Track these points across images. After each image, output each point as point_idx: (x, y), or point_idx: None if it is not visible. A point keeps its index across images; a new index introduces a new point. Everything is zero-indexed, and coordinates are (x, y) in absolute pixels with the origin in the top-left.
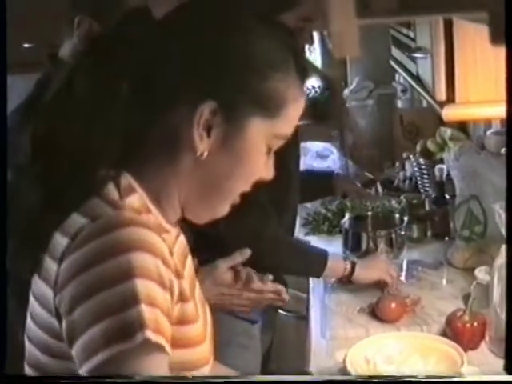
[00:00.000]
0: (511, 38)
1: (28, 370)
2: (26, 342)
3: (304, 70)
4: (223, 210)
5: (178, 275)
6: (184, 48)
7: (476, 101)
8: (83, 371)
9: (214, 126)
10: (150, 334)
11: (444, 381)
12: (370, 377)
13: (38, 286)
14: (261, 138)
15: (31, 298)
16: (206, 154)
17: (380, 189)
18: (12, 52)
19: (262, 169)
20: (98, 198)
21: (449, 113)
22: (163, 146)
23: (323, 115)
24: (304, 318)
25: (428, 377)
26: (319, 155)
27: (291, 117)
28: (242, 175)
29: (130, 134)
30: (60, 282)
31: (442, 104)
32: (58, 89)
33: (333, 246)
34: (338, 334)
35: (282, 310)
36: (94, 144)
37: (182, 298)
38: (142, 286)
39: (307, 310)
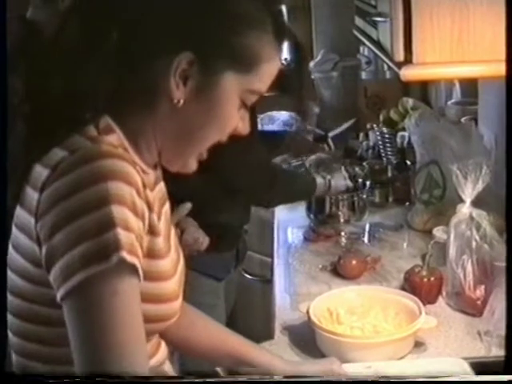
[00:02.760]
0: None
1: (9, 297)
2: (8, 272)
3: (280, 31)
4: (193, 163)
5: (150, 208)
6: (167, 1)
7: (432, 62)
8: (61, 293)
9: (190, 76)
10: (125, 255)
11: (444, 381)
12: (370, 377)
13: (21, 215)
14: (234, 91)
15: (14, 229)
16: (181, 102)
17: (332, 144)
18: None
19: (236, 121)
20: (78, 135)
21: (406, 73)
22: (142, 92)
23: (289, 86)
24: (269, 282)
25: (428, 377)
26: (285, 124)
27: (265, 74)
28: (214, 125)
29: (111, 79)
30: (41, 209)
31: (400, 65)
32: (50, 33)
33: (297, 211)
34: (301, 290)
35: (247, 273)
36: (78, 87)
37: (152, 232)
38: (118, 211)
39: (271, 272)
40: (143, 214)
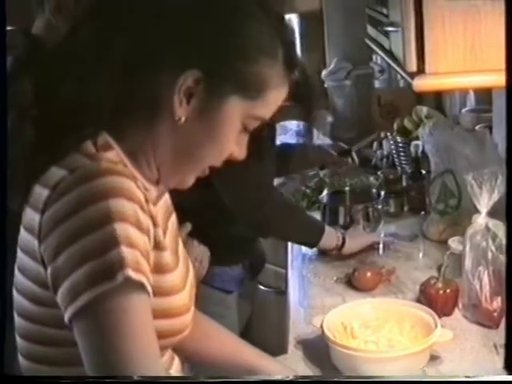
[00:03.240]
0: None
1: (17, 319)
2: (15, 294)
3: (291, 59)
4: (190, 180)
5: (155, 223)
6: (180, 15)
7: (445, 71)
8: (68, 314)
9: (194, 94)
10: (130, 273)
11: (444, 381)
12: (370, 377)
13: (24, 237)
14: (237, 116)
15: (18, 251)
16: (183, 119)
17: (356, 158)
18: None
19: (233, 146)
20: (77, 153)
21: (419, 83)
22: (144, 107)
23: (302, 96)
24: (283, 293)
25: (429, 377)
26: (297, 134)
27: (271, 102)
28: (212, 147)
29: (115, 93)
30: (43, 231)
31: (412, 75)
32: (59, 42)
33: None
34: (315, 302)
35: (262, 285)
36: (80, 101)
37: (158, 247)
38: (121, 229)
39: (286, 283)
40: (148, 229)
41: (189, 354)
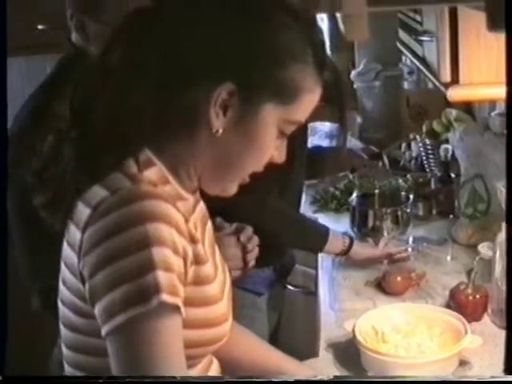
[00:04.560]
0: (511, 25)
1: (63, 330)
2: (60, 305)
3: (321, 61)
4: (232, 187)
5: (193, 240)
6: (211, 29)
7: (479, 82)
8: (104, 331)
9: (230, 106)
10: (165, 297)
11: (445, 380)
12: (370, 377)
13: (66, 251)
14: (273, 122)
15: (62, 264)
16: (220, 131)
17: (386, 161)
18: (27, 34)
19: (273, 151)
20: (119, 172)
21: (453, 93)
22: (182, 121)
23: (334, 96)
24: (312, 294)
25: (428, 377)
26: (328, 135)
27: (305, 105)
28: (252, 155)
29: (153, 108)
30: (83, 249)
31: (446, 85)
32: (94, 60)
33: (340, 224)
34: (346, 306)
35: (291, 285)
36: (121, 119)
37: (198, 261)
38: (158, 253)
39: (316, 285)
40: (185, 251)
41: (221, 358)
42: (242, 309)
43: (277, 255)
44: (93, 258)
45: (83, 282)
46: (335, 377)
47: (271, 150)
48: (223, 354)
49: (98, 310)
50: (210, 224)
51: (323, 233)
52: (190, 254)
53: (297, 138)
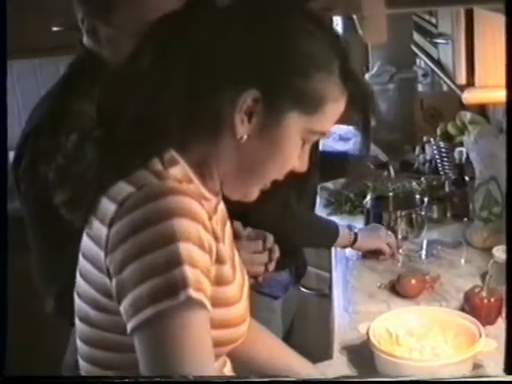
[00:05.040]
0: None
1: (78, 324)
2: (76, 298)
3: (347, 73)
4: (254, 193)
5: (217, 238)
6: (239, 38)
7: (494, 85)
8: (130, 326)
9: (255, 113)
10: (192, 292)
11: (445, 381)
12: (370, 376)
13: (88, 246)
14: (297, 131)
15: (80, 258)
16: (245, 137)
17: (392, 171)
18: (41, 36)
19: (295, 160)
20: (144, 170)
21: (468, 96)
22: (207, 125)
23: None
24: (326, 296)
25: (427, 377)
26: (342, 138)
27: (329, 115)
28: (275, 163)
29: (179, 110)
30: (110, 244)
31: (461, 88)
32: (122, 62)
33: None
34: (360, 308)
35: (304, 287)
36: (148, 118)
37: (220, 260)
38: (185, 248)
39: (330, 287)
40: (210, 247)
41: (239, 358)
42: (257, 312)
43: (292, 257)
44: (120, 253)
45: (110, 278)
46: (336, 377)
47: (294, 158)
48: (245, 353)
49: (124, 305)
50: (229, 225)
51: (334, 230)
52: (214, 250)
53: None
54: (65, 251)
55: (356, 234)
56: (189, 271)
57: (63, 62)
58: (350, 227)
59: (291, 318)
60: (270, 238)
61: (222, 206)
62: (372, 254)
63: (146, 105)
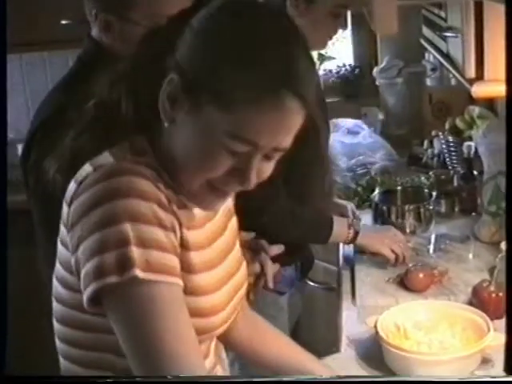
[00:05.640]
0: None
1: (54, 304)
2: (54, 280)
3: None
4: (196, 183)
5: (180, 224)
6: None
7: (504, 78)
8: (84, 300)
9: (178, 99)
10: (138, 272)
11: (445, 381)
12: (370, 376)
13: (61, 229)
14: (217, 129)
15: (58, 242)
16: (165, 125)
17: None
18: (50, 29)
19: (221, 165)
20: (108, 153)
21: (478, 90)
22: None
23: (354, 92)
24: (333, 290)
25: (426, 377)
26: (350, 131)
27: (250, 122)
28: (197, 165)
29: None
30: (70, 222)
31: (471, 81)
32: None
33: (362, 220)
34: (368, 302)
35: (312, 281)
36: (120, 108)
37: (185, 246)
38: (134, 229)
39: (337, 281)
40: (173, 225)
41: (248, 353)
42: (263, 308)
43: (298, 253)
44: (77, 231)
45: (72, 255)
46: (338, 376)
47: (217, 162)
48: (252, 349)
49: (80, 280)
50: (234, 220)
51: (327, 225)
52: (178, 233)
53: (320, 134)
54: None
55: (356, 233)
56: (136, 252)
57: (72, 55)
58: (351, 224)
59: (298, 313)
60: (265, 247)
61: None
62: (379, 257)
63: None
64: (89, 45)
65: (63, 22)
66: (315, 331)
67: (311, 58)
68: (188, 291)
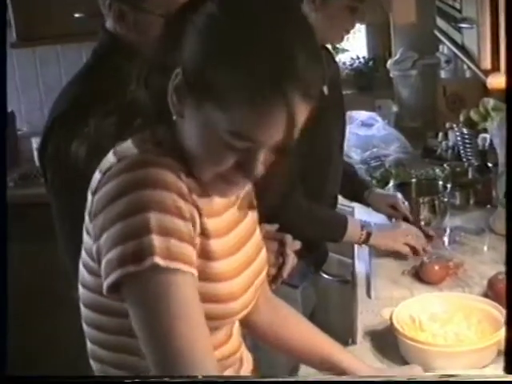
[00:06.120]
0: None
1: (80, 289)
2: (80, 267)
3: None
4: (207, 175)
5: (200, 213)
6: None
7: None
8: (104, 287)
9: (182, 93)
10: (158, 260)
11: (445, 380)
12: (372, 377)
13: (86, 218)
14: (216, 124)
15: (83, 230)
16: (174, 118)
17: None
18: (63, 23)
19: (226, 159)
20: (131, 142)
21: (493, 81)
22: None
23: (368, 85)
24: (348, 282)
25: (428, 376)
26: (364, 124)
27: (248, 120)
28: (204, 159)
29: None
30: (93, 212)
31: (486, 73)
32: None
33: (377, 213)
34: (383, 294)
35: (326, 273)
36: (138, 98)
37: (205, 234)
38: (155, 218)
39: (353, 273)
40: (192, 216)
41: (269, 337)
42: None
43: (311, 246)
44: (100, 220)
45: (95, 243)
46: (337, 378)
47: (222, 157)
48: (274, 333)
49: (101, 268)
50: (235, 208)
51: (342, 224)
52: (198, 223)
53: (334, 127)
54: None
55: (369, 234)
56: (157, 240)
57: (86, 48)
58: (364, 225)
59: (312, 306)
60: (288, 240)
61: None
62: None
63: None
64: (104, 37)
65: (76, 15)
66: (330, 324)
67: (316, 51)
68: (207, 278)
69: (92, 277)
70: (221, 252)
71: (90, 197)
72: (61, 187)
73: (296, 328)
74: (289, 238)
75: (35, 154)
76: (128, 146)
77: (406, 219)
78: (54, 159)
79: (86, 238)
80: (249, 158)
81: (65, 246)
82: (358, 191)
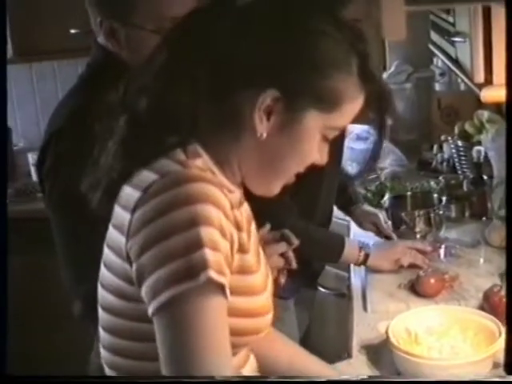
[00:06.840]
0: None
1: (102, 313)
2: (100, 288)
3: (366, 73)
4: (276, 187)
5: (239, 228)
6: (257, 39)
7: None
8: (151, 309)
9: (274, 112)
10: (212, 274)
11: (444, 380)
12: (371, 377)
13: (112, 235)
14: (316, 128)
15: (105, 248)
16: (264, 135)
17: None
18: (59, 38)
19: (315, 154)
20: (167, 159)
21: (487, 94)
22: (228, 122)
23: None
24: (344, 296)
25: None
26: (359, 137)
27: (347, 113)
28: (295, 159)
29: (198, 105)
30: (132, 229)
31: (480, 86)
32: (144, 61)
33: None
34: (379, 308)
35: (322, 287)
36: (166, 110)
37: (242, 249)
38: (206, 232)
39: (349, 287)
40: (231, 236)
41: (257, 359)
42: None
43: (308, 265)
44: (141, 238)
45: (130, 263)
46: (336, 378)
47: (314, 153)
48: (262, 354)
49: (144, 289)
50: (254, 224)
51: (339, 245)
52: (236, 239)
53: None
54: (92, 251)
55: (367, 255)
56: (209, 254)
57: (82, 64)
58: (362, 246)
59: (308, 318)
60: (289, 242)
61: (246, 205)
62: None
63: (164, 98)
64: (97, 52)
65: (72, 31)
66: (326, 337)
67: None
68: (245, 292)
69: (121, 301)
70: (254, 265)
71: (125, 215)
72: (58, 201)
73: (283, 350)
74: (288, 233)
75: (32, 169)
76: (165, 162)
77: (387, 237)
78: (50, 174)
79: (113, 258)
80: (326, 144)
81: (63, 258)
82: (346, 205)
